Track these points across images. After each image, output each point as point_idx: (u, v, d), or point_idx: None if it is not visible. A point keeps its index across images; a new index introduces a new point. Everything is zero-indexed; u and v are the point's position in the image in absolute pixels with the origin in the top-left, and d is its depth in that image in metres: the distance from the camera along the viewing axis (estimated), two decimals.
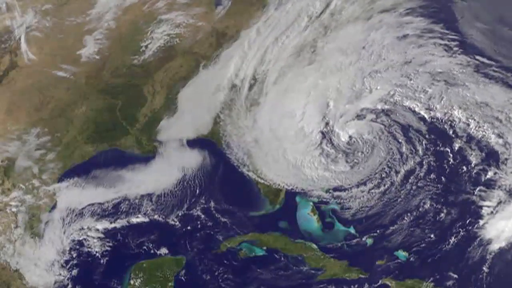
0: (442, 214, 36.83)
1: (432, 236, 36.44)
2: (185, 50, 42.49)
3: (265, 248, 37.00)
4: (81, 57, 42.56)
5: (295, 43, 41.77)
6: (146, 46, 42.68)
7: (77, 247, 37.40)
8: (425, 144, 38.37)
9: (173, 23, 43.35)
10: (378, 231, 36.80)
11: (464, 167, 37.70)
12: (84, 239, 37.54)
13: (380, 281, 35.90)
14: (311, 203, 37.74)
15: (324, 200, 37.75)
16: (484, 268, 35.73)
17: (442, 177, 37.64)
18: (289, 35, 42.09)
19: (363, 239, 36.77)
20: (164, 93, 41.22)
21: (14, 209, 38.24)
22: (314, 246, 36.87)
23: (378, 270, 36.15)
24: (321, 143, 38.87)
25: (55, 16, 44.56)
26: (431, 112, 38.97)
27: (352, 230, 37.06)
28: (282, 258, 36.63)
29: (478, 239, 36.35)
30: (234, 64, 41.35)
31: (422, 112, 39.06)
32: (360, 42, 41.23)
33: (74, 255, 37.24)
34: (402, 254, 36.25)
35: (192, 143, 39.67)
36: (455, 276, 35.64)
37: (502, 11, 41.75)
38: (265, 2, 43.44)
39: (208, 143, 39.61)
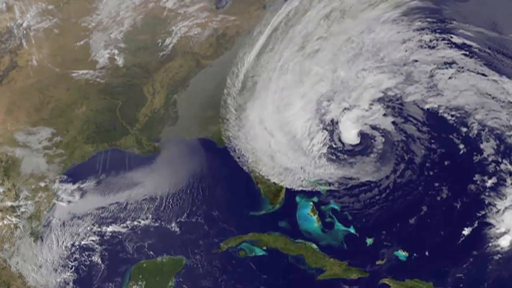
0: (445, 211, 36.45)
1: (434, 235, 36.32)
2: (185, 50, 42.51)
3: (265, 248, 36.98)
4: (95, 59, 42.68)
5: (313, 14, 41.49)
6: (164, 41, 42.63)
7: (77, 249, 37.40)
8: (431, 136, 37.86)
9: (190, 15, 43.35)
10: (378, 231, 36.76)
11: (475, 160, 37.05)
12: (84, 241, 37.52)
13: (380, 281, 35.88)
14: (311, 203, 37.71)
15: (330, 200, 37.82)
16: (490, 267, 35.44)
17: (450, 172, 37.14)
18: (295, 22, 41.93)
19: (363, 239, 36.75)
20: (164, 93, 41.24)
21: (14, 210, 38.22)
22: (314, 246, 36.85)
23: (378, 270, 36.12)
24: (324, 139, 38.54)
25: (55, 16, 44.58)
26: (436, 102, 38.58)
27: (352, 230, 37.03)
28: (282, 258, 36.63)
29: (486, 236, 35.91)
30: (235, 63, 41.28)
31: (428, 102, 38.72)
32: (366, 32, 40.90)
33: (74, 257, 37.22)
34: (402, 254, 36.20)
35: (193, 144, 39.68)
36: (459, 275, 35.46)
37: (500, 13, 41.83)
38: (265, 2, 43.43)
39: (209, 143, 39.62)
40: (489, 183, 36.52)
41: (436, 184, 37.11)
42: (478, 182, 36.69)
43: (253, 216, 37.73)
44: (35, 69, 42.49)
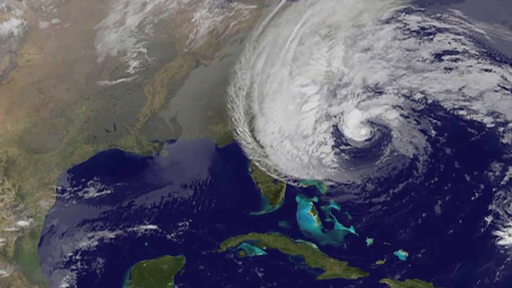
0: (447, 210, 36.32)
1: (434, 234, 36.27)
2: (185, 50, 42.51)
3: (265, 248, 36.99)
4: (96, 60, 42.72)
5: None
6: (188, 37, 42.64)
7: (77, 249, 37.34)
8: (440, 131, 37.72)
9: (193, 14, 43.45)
10: (378, 231, 36.79)
11: (488, 150, 36.76)
12: (84, 241, 37.48)
13: (380, 281, 35.89)
14: (311, 203, 37.73)
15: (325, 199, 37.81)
16: (492, 266, 35.28)
17: (458, 166, 36.93)
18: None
19: (363, 239, 36.75)
20: (164, 93, 41.27)
21: (14, 210, 38.24)
22: (314, 246, 36.86)
23: (378, 270, 36.13)
24: (327, 135, 38.28)
25: (56, 16, 44.63)
26: (441, 89, 38.43)
27: (352, 230, 37.04)
28: (282, 258, 36.64)
29: (489, 235, 35.63)
30: (238, 61, 41.25)
31: (433, 91, 38.57)
32: (369, 23, 40.85)
33: (74, 258, 37.17)
34: (402, 254, 36.20)
35: (193, 144, 39.70)
36: (460, 275, 35.40)
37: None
38: (265, 2, 43.46)
39: (209, 143, 39.63)
40: (506, 176, 36.06)
41: (440, 181, 36.94)
42: (493, 173, 36.24)
43: (253, 216, 37.75)
44: (35, 69, 42.53)
